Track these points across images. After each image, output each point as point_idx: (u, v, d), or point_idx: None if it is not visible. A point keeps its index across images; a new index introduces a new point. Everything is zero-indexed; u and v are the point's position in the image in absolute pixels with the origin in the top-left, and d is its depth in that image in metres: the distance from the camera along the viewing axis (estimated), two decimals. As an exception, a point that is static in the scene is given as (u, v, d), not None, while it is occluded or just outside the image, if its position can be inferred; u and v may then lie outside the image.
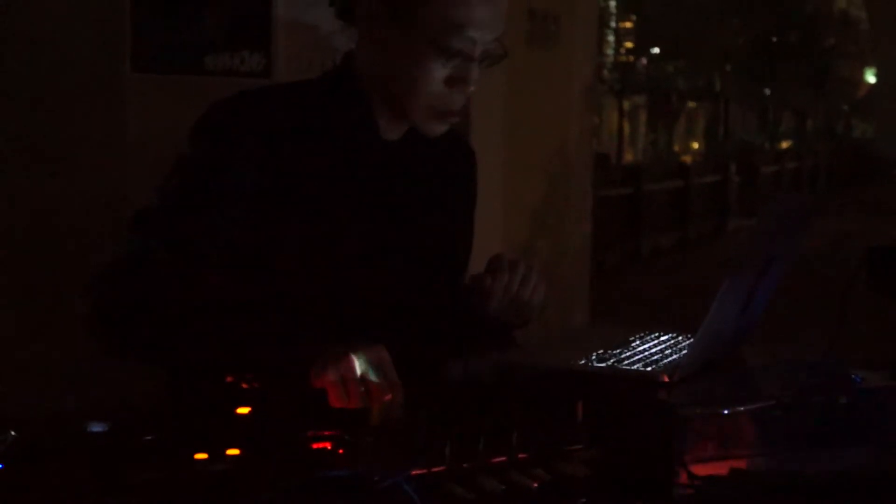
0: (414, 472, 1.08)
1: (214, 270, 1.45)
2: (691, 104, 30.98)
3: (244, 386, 1.37)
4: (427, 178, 1.60)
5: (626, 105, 27.56)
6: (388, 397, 1.29)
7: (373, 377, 1.31)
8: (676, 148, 30.56)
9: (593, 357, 1.39)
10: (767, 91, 29.02)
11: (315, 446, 1.15)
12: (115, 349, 1.46)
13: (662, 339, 1.52)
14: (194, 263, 1.43)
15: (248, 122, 1.48)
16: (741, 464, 1.22)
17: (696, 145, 32.90)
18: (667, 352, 1.43)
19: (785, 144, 29.82)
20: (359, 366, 1.31)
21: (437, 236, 1.61)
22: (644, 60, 26.73)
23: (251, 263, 1.47)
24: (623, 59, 26.12)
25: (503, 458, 1.14)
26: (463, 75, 1.46)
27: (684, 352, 1.42)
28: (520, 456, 1.15)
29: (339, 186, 1.51)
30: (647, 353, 1.42)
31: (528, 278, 1.53)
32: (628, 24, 26.34)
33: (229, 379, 1.37)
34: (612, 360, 1.37)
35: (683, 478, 1.17)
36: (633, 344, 1.48)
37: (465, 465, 1.11)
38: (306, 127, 1.50)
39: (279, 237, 1.47)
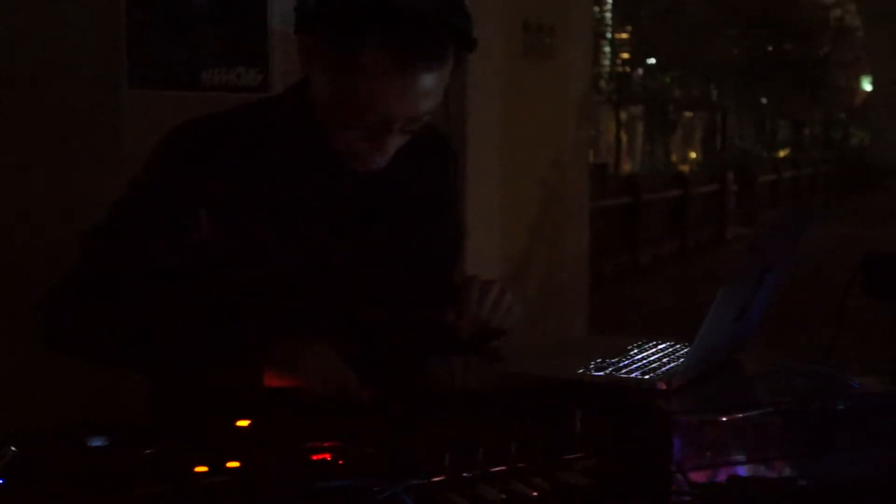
0: (413, 482, 1.08)
1: (167, 282, 1.46)
2: (688, 114, 31.04)
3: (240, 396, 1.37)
4: (403, 183, 1.58)
5: (624, 116, 27.61)
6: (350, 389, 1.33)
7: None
8: (674, 158, 30.59)
9: (591, 366, 1.39)
10: (764, 100, 29.08)
11: (315, 457, 1.15)
12: (68, 353, 1.51)
13: (660, 347, 1.52)
14: (146, 277, 1.45)
15: (209, 147, 1.49)
16: (739, 471, 1.22)
17: (693, 155, 32.94)
18: (664, 360, 1.43)
19: (782, 153, 29.86)
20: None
21: (418, 242, 1.60)
22: (640, 71, 26.80)
23: (215, 276, 1.48)
24: (619, 69, 26.18)
25: (502, 468, 1.14)
26: (378, 140, 1.43)
27: (682, 360, 1.42)
28: (519, 465, 1.15)
29: (310, 199, 1.51)
30: (644, 362, 1.42)
31: (500, 303, 1.50)
32: (624, 36, 26.41)
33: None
34: (610, 369, 1.38)
35: (682, 486, 1.17)
36: (631, 352, 1.48)
37: (464, 475, 1.12)
38: (273, 144, 1.51)
39: (251, 254, 1.48)
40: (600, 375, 1.35)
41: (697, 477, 1.19)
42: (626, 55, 26.41)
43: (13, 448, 1.13)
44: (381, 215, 1.57)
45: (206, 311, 1.45)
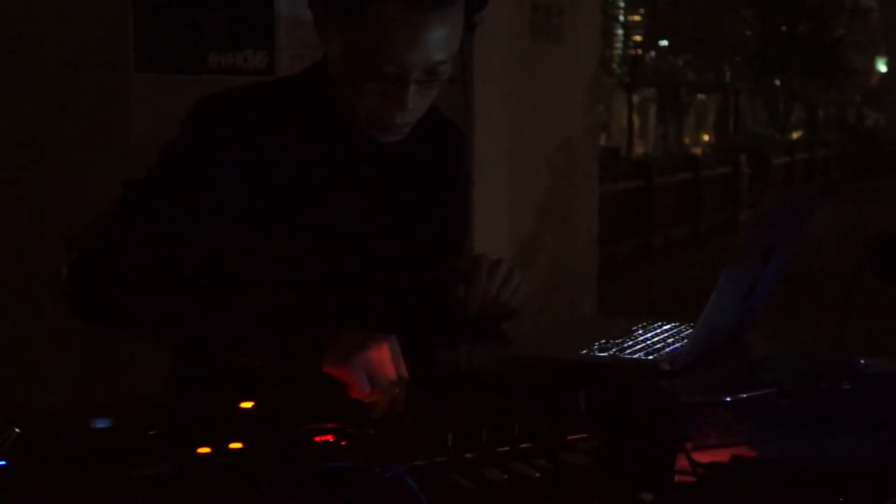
0: (416, 463, 1.08)
1: (202, 252, 1.46)
2: (701, 97, 30.93)
3: (247, 369, 1.37)
4: (414, 165, 1.59)
5: (636, 98, 27.52)
6: (397, 391, 1.29)
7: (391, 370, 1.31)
8: (687, 140, 30.51)
9: (595, 346, 1.39)
10: (777, 82, 28.92)
11: (317, 439, 1.16)
12: (94, 315, 1.45)
13: (665, 328, 1.52)
14: (179, 243, 1.44)
15: (238, 117, 1.50)
16: (744, 451, 1.22)
17: (706, 137, 32.84)
18: (669, 341, 1.43)
19: (796, 135, 29.70)
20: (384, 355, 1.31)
21: (425, 223, 1.61)
22: (653, 53, 26.69)
23: (240, 250, 1.48)
24: (632, 52, 26.08)
25: (506, 448, 1.14)
26: (398, 95, 1.44)
27: (686, 341, 1.42)
28: (522, 446, 1.15)
29: (324, 179, 1.52)
30: (649, 342, 1.42)
31: (509, 281, 1.51)
32: (637, 18, 26.30)
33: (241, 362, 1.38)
34: (614, 350, 1.37)
35: (686, 466, 1.17)
36: (636, 333, 1.48)
37: (467, 456, 1.12)
38: (294, 122, 1.52)
39: (267, 227, 1.49)
40: (604, 356, 1.35)
41: (701, 457, 1.18)
42: (638, 37, 26.30)
43: (16, 429, 1.14)
44: (398, 192, 1.58)
45: (231, 285, 1.45)
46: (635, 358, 1.34)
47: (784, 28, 26.88)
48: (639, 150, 27.49)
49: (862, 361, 1.38)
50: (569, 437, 1.17)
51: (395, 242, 1.57)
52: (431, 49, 1.41)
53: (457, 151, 1.70)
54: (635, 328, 1.51)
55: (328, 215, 1.52)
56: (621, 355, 1.35)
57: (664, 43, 26.21)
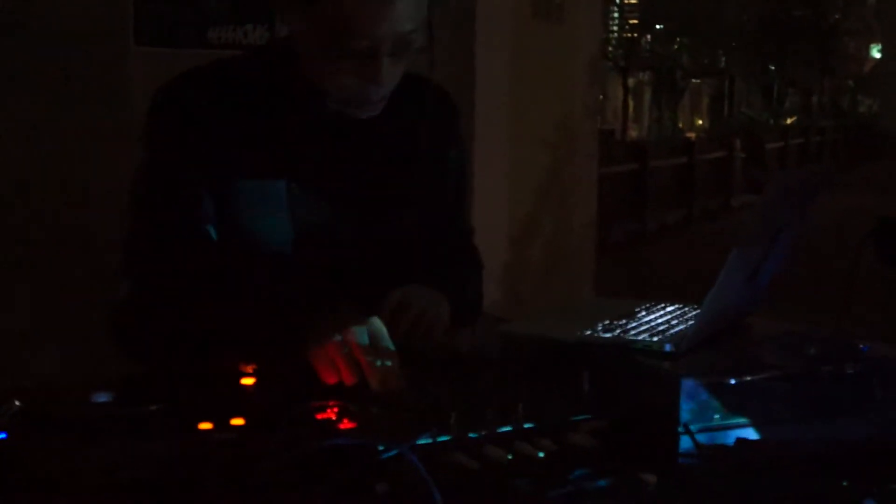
0: (419, 442, 1.07)
1: (199, 265, 1.46)
2: (696, 81, 30.93)
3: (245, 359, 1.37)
4: (401, 137, 1.57)
5: (631, 82, 27.52)
6: (384, 369, 1.28)
7: (365, 350, 1.29)
8: (681, 124, 30.53)
9: (599, 328, 1.38)
10: (772, 67, 28.92)
11: (320, 416, 1.15)
12: (136, 356, 1.50)
13: (669, 309, 1.51)
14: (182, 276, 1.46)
15: (200, 100, 1.48)
16: (747, 434, 1.22)
17: (700, 122, 32.87)
18: (673, 322, 1.42)
19: (790, 120, 29.71)
20: (351, 338, 1.30)
21: (417, 193, 1.58)
22: (649, 37, 26.67)
23: (228, 241, 1.47)
24: (628, 35, 26.05)
25: (509, 428, 1.13)
26: (371, 70, 1.42)
27: (691, 322, 1.41)
28: (526, 426, 1.14)
29: (296, 155, 1.50)
30: (653, 324, 1.41)
31: (417, 325, 1.45)
32: (633, 1, 26.26)
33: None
34: (618, 331, 1.37)
35: (689, 448, 1.17)
36: (640, 315, 1.47)
37: (470, 435, 1.11)
38: (260, 99, 1.50)
39: (252, 212, 1.47)
40: (608, 337, 1.34)
41: (705, 439, 1.18)
42: (634, 21, 26.27)
43: (17, 402, 1.13)
44: (379, 167, 1.55)
45: (229, 276, 1.45)
46: (640, 339, 1.33)
47: (779, 13, 26.85)
48: (633, 133, 27.50)
49: (864, 346, 1.38)
50: (573, 418, 1.17)
51: (378, 217, 1.55)
52: (400, 20, 1.39)
53: (445, 119, 1.66)
54: (639, 310, 1.50)
55: (305, 194, 1.49)
56: (626, 336, 1.34)
57: (660, 27, 26.19)
